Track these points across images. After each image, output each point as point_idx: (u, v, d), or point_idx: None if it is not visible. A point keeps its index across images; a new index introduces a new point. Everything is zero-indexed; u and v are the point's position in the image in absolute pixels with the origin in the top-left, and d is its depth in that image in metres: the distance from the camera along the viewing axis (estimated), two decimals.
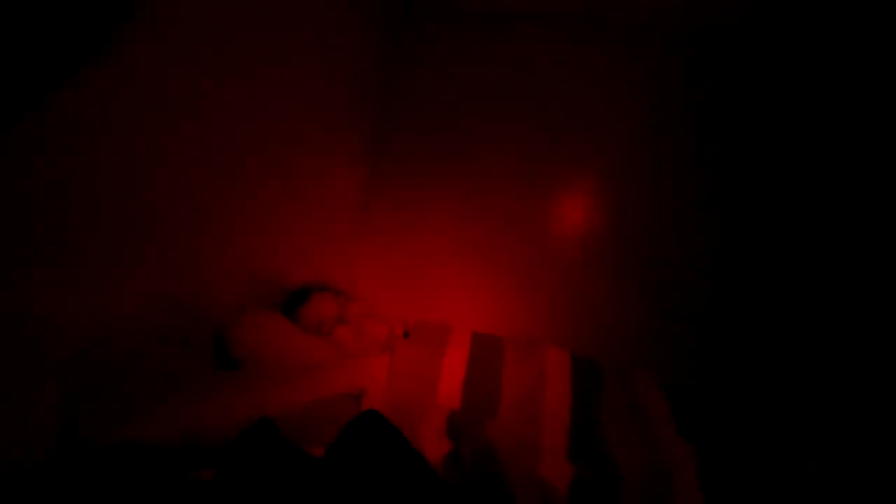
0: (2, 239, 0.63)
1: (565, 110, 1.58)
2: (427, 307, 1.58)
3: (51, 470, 0.68)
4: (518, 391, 1.18)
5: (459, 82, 1.64)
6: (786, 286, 1.46)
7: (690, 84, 1.54)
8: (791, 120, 1.48)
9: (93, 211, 0.74)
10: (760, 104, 1.50)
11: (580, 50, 1.59)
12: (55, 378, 0.73)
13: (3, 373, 0.66)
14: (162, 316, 0.93)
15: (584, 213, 1.58)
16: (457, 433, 1.07)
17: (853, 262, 1.43)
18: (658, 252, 1.52)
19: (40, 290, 0.69)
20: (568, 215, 1.59)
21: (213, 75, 0.94)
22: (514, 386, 1.19)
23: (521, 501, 0.92)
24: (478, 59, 1.63)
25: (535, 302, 1.57)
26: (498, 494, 0.92)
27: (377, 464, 0.69)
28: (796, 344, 1.44)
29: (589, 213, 1.57)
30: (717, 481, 1.01)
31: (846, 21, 1.38)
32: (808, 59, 1.49)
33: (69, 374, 0.75)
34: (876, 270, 1.41)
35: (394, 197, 1.66)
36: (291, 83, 1.20)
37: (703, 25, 1.52)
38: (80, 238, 0.74)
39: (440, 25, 1.66)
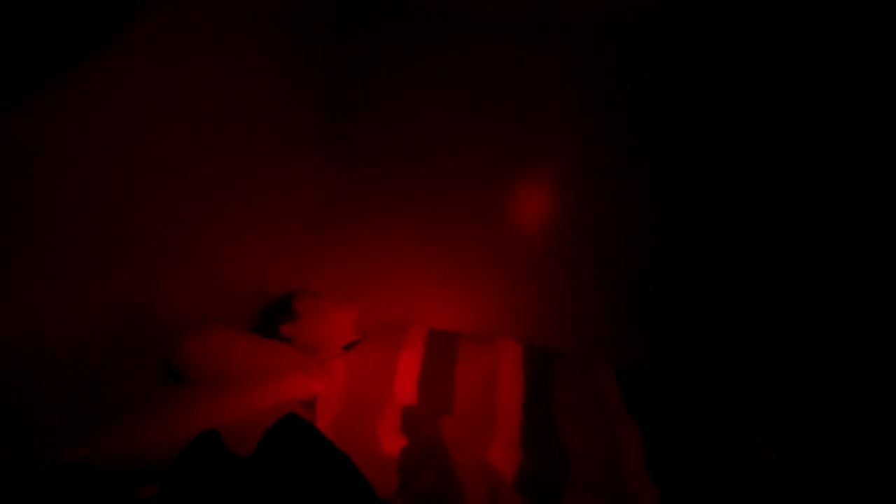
0: None
1: (522, 109, 1.59)
2: (390, 306, 1.59)
3: None
4: (472, 385, 1.21)
5: (417, 82, 1.63)
6: (732, 276, 1.51)
7: (648, 81, 1.55)
8: (746, 114, 1.50)
9: (34, 220, 0.72)
10: (714, 99, 1.52)
11: (536, 49, 1.58)
12: None
13: None
14: (112, 331, 0.90)
15: (543, 210, 1.60)
16: (412, 428, 1.09)
17: (793, 251, 1.49)
18: (613, 245, 1.56)
19: None
20: (527, 212, 1.61)
21: (166, 86, 0.93)
22: (468, 380, 1.22)
23: (469, 489, 0.95)
24: (435, 60, 1.62)
25: (497, 297, 1.60)
26: (446, 484, 0.95)
27: (297, 466, 0.70)
28: (743, 330, 1.49)
29: (548, 209, 1.59)
30: (664, 459, 1.05)
31: (789, 14, 1.41)
32: (756, 52, 1.51)
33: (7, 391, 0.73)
34: (816, 256, 1.47)
35: (356, 198, 1.66)
36: (244, 89, 1.18)
37: (658, 21, 1.52)
38: (22, 247, 0.71)
39: (397, 25, 1.63)
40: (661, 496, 0.97)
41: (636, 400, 1.21)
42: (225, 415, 0.89)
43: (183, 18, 0.96)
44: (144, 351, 1.02)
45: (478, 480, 0.98)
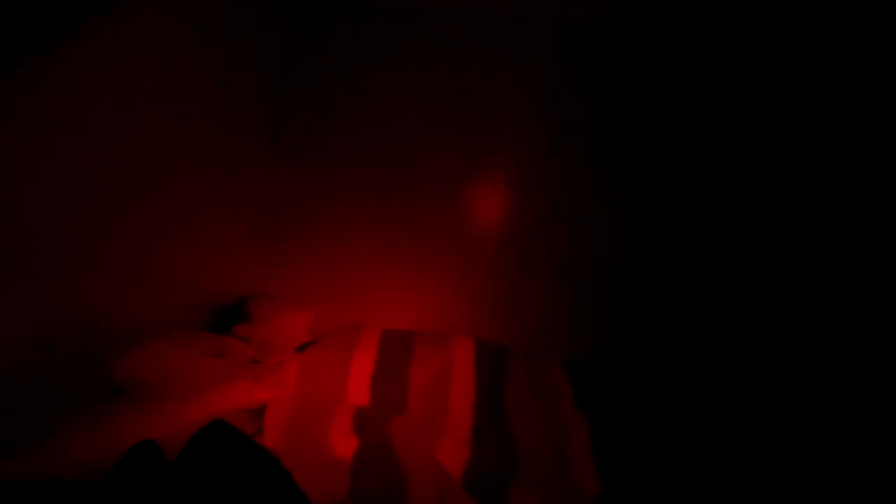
0: None
1: (480, 108, 1.61)
2: (347, 308, 1.58)
3: None
4: (425, 384, 1.22)
5: (370, 83, 1.63)
6: (682, 273, 1.55)
7: (598, 78, 1.58)
8: (692, 112, 1.55)
9: None
10: (665, 97, 1.56)
11: (495, 49, 1.60)
12: None
13: None
14: (53, 342, 0.89)
15: (500, 208, 1.62)
16: (363, 429, 1.10)
17: (744, 248, 1.53)
18: (566, 241, 1.59)
19: None
20: (484, 211, 1.62)
21: (109, 92, 0.91)
22: (421, 379, 1.23)
23: (416, 490, 0.96)
24: (387, 60, 1.62)
25: (456, 295, 1.61)
26: (393, 486, 0.96)
27: (222, 473, 0.70)
28: (695, 323, 1.54)
29: (505, 207, 1.61)
30: (611, 451, 1.08)
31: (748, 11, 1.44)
32: (713, 49, 1.55)
33: None
34: (765, 252, 1.52)
35: (311, 200, 1.65)
36: (188, 93, 1.17)
37: (608, 19, 1.55)
38: None
39: (344, 21, 1.63)
40: (603, 487, 1.00)
41: (587, 393, 1.23)
42: (166, 426, 0.87)
43: (123, 25, 0.95)
44: (87, 362, 1.00)
45: (425, 480, 0.99)
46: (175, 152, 1.18)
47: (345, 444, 1.05)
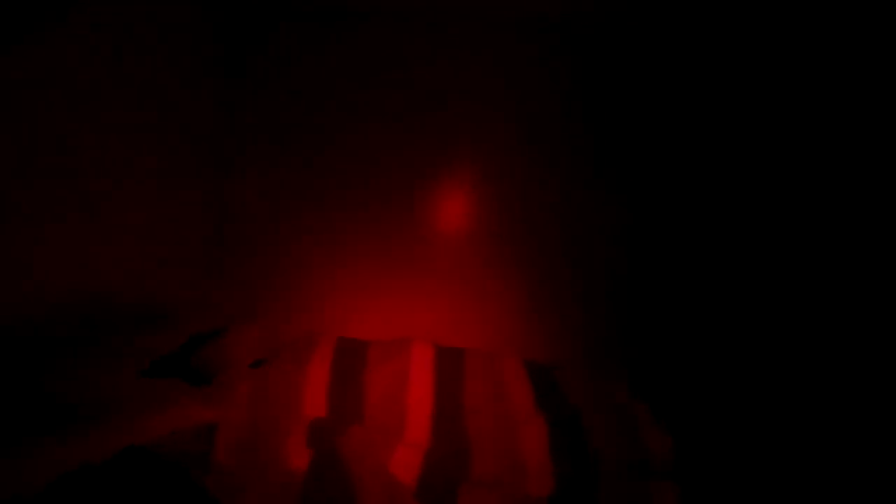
0: None
1: (439, 109, 1.60)
2: (303, 319, 1.58)
3: None
4: (382, 391, 1.22)
5: (318, 86, 1.61)
6: (645, 269, 1.57)
7: (572, 76, 1.59)
8: (667, 113, 1.56)
9: None
10: (640, 95, 1.56)
11: (459, 50, 1.60)
12: None
13: None
14: None
15: (458, 212, 1.62)
16: (318, 441, 1.10)
17: (705, 247, 1.56)
18: (530, 246, 1.59)
19: None
20: (444, 214, 1.62)
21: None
22: (377, 386, 1.23)
23: (365, 499, 0.96)
24: (338, 59, 1.60)
25: (413, 302, 1.61)
26: (343, 497, 0.96)
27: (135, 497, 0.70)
28: (654, 324, 1.56)
29: (464, 211, 1.62)
30: (568, 452, 1.09)
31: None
32: (685, 44, 1.55)
33: None
34: (722, 256, 1.54)
35: (260, 208, 1.62)
36: (129, 98, 1.16)
37: (583, 17, 1.54)
38: None
39: (292, 26, 1.60)
40: (555, 486, 1.00)
41: (546, 393, 1.24)
42: (106, 449, 0.84)
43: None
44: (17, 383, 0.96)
45: (376, 490, 1.00)
46: (116, 163, 1.17)
47: (299, 458, 1.05)
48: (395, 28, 1.59)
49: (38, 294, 1.07)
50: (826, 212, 1.43)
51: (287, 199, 1.62)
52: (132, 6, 1.18)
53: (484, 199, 1.60)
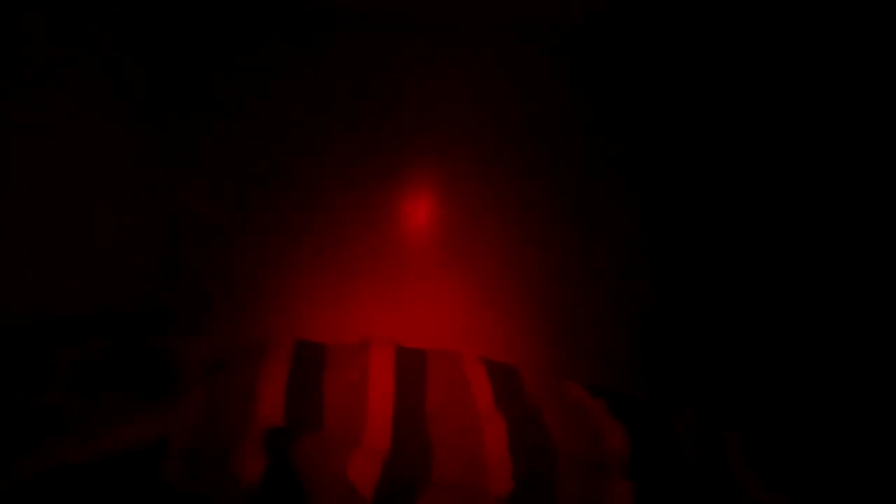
0: None
1: (402, 112, 1.57)
2: (257, 321, 1.52)
3: None
4: (341, 395, 1.18)
5: (279, 89, 1.57)
6: (613, 269, 1.56)
7: (543, 82, 1.58)
8: (647, 115, 1.55)
9: None
10: (608, 101, 1.56)
11: (425, 50, 1.58)
12: None
13: None
14: None
15: (419, 214, 1.59)
16: (273, 451, 1.05)
17: (686, 249, 1.55)
18: (485, 248, 1.57)
19: None
20: (403, 216, 1.59)
21: None
22: (336, 391, 1.18)
23: None
24: (305, 65, 1.56)
25: (375, 303, 1.56)
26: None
27: None
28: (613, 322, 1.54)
29: (425, 213, 1.59)
30: (526, 446, 1.07)
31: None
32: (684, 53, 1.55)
33: None
34: (723, 253, 1.54)
35: (215, 209, 1.54)
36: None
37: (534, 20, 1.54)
38: None
39: (259, 28, 1.56)
40: (514, 485, 0.97)
41: (506, 393, 1.22)
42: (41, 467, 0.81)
43: None
44: None
45: (333, 499, 0.96)
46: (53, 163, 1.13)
47: (252, 467, 1.00)
48: (357, 30, 1.58)
49: None
50: (821, 207, 1.45)
51: (243, 200, 1.57)
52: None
53: (445, 203, 1.59)
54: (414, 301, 1.58)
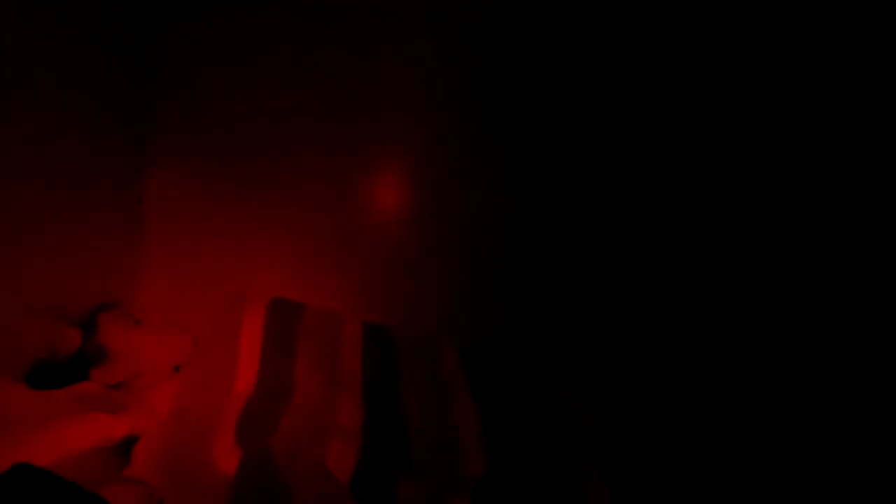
0: None
1: (358, 93, 1.52)
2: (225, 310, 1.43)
3: None
4: (312, 377, 1.18)
5: (236, 74, 1.51)
6: (573, 256, 1.54)
7: (483, 60, 1.53)
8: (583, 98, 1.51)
9: None
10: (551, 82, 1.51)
11: (371, 35, 1.52)
12: None
13: None
14: None
15: (387, 194, 1.56)
16: (247, 442, 1.05)
17: (627, 239, 1.53)
18: (457, 231, 1.55)
19: None
20: (371, 196, 1.56)
21: None
22: (308, 374, 1.18)
23: (298, 500, 0.92)
24: (256, 40, 1.50)
25: (343, 281, 1.54)
26: (274, 498, 0.92)
27: None
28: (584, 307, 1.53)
29: (392, 193, 1.56)
30: (500, 437, 1.08)
31: None
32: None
33: None
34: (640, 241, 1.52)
35: (185, 197, 1.51)
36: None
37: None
38: None
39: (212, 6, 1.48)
40: (488, 466, 1.00)
41: (479, 379, 1.22)
42: None
43: None
44: None
45: (311, 489, 0.96)
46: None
47: (226, 460, 0.99)
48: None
49: None
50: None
51: (206, 187, 1.52)
52: None
53: (404, 183, 1.58)
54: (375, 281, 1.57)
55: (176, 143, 1.52)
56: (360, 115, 1.54)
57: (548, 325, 1.53)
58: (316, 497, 0.95)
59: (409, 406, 1.15)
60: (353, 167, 1.55)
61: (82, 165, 1.24)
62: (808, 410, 1.21)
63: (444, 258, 1.56)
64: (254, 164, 1.53)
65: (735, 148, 1.47)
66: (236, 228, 1.53)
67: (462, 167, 1.55)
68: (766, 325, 1.37)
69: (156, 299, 1.45)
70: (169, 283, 1.50)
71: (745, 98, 1.45)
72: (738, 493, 1.05)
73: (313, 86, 1.53)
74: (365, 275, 1.55)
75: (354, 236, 1.55)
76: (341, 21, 1.51)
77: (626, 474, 1.01)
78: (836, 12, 1.33)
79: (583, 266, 1.54)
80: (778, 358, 1.32)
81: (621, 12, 1.49)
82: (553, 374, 1.28)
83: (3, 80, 0.95)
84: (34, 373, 1.02)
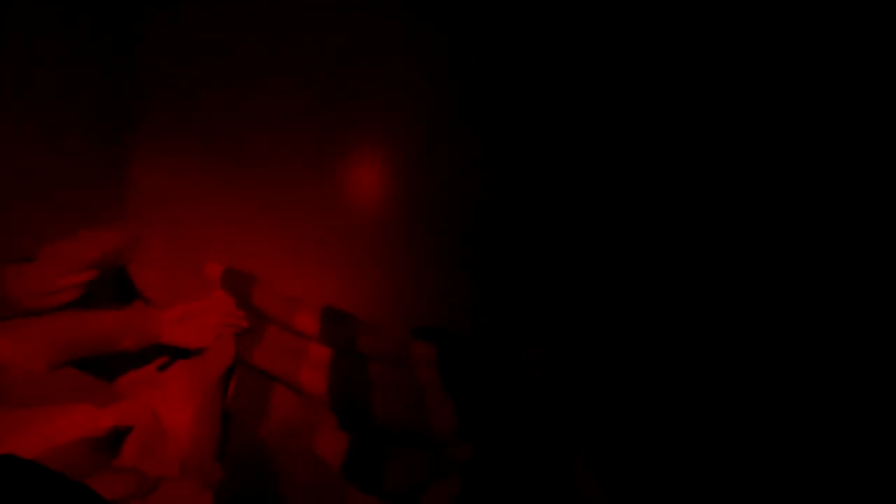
0: None
1: (337, 77, 1.52)
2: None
3: None
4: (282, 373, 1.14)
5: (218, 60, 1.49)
6: (555, 244, 1.56)
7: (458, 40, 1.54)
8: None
9: None
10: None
11: (355, 21, 1.52)
12: None
13: None
14: None
15: (368, 180, 1.56)
16: (237, 430, 1.06)
17: (607, 227, 1.56)
18: (430, 215, 1.56)
19: None
20: (343, 182, 1.56)
21: None
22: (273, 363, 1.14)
23: (288, 487, 0.93)
24: (239, 28, 1.48)
25: (319, 275, 1.52)
26: (265, 485, 0.93)
27: None
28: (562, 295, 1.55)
29: (363, 177, 1.56)
30: (474, 421, 1.10)
31: None
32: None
33: None
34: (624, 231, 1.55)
35: (168, 187, 1.47)
36: None
37: None
38: None
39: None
40: (474, 452, 1.01)
41: (456, 371, 1.22)
42: None
43: None
44: None
45: (302, 475, 0.97)
46: None
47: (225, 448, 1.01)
48: None
49: None
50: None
51: (190, 174, 1.50)
52: None
53: (380, 168, 1.58)
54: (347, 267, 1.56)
55: (158, 134, 1.49)
56: (343, 102, 1.53)
57: (528, 309, 1.54)
58: (307, 482, 0.96)
59: (379, 395, 1.12)
60: (333, 153, 1.55)
61: (61, 158, 1.21)
62: (800, 400, 1.23)
63: (422, 240, 1.56)
64: (235, 151, 1.51)
65: (719, 130, 1.48)
66: (219, 214, 1.51)
67: (443, 153, 1.57)
68: (755, 312, 1.39)
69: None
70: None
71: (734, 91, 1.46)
72: (729, 481, 1.07)
73: (294, 73, 1.52)
74: (345, 261, 1.54)
75: (338, 221, 1.54)
76: (323, 9, 1.50)
77: (611, 456, 1.02)
78: (836, 12, 1.34)
79: (568, 256, 1.55)
80: (769, 347, 1.34)
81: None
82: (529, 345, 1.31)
83: None
84: None
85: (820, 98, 1.38)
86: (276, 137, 1.52)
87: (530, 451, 1.03)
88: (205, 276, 1.23)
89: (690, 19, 1.49)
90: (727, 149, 1.47)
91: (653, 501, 1.01)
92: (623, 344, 1.44)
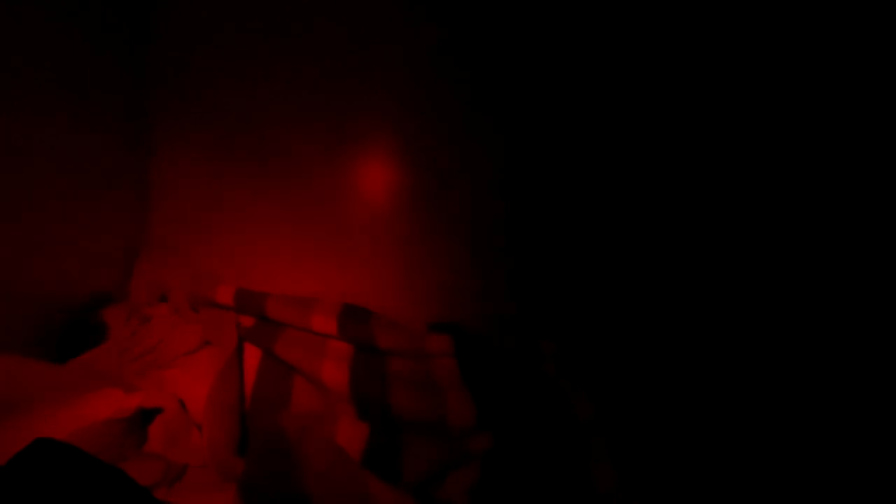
0: None
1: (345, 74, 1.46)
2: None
3: None
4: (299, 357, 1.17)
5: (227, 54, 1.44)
6: (570, 241, 1.53)
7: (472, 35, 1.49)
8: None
9: None
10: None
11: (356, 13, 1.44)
12: None
13: None
14: None
15: (372, 175, 1.53)
16: (259, 420, 1.08)
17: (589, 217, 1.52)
18: (450, 214, 1.53)
19: None
20: (357, 177, 1.53)
21: None
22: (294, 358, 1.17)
23: (311, 476, 0.94)
24: (254, 16, 1.40)
25: (330, 275, 1.52)
26: (288, 474, 0.94)
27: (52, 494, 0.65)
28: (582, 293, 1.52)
29: (380, 172, 1.53)
30: (491, 412, 1.11)
31: None
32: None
33: None
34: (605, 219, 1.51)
35: (188, 181, 1.48)
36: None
37: None
38: None
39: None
40: (492, 443, 1.03)
41: (471, 365, 1.24)
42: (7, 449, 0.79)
43: None
44: None
45: (323, 465, 0.99)
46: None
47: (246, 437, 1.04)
48: None
49: None
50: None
51: (211, 176, 1.50)
52: None
53: (394, 164, 1.54)
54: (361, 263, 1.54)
55: (176, 126, 1.49)
56: (359, 96, 1.48)
57: (541, 305, 1.53)
58: (329, 471, 0.98)
59: (398, 388, 1.14)
60: (350, 146, 1.51)
61: (79, 152, 1.22)
62: (824, 393, 1.20)
63: (438, 247, 1.54)
64: (255, 146, 1.50)
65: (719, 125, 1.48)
66: (238, 213, 1.52)
67: (457, 146, 1.52)
68: (772, 309, 1.36)
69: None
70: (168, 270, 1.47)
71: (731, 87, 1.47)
72: (744, 473, 1.08)
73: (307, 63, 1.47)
74: (364, 255, 1.54)
75: (357, 214, 1.53)
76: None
77: (625, 446, 1.04)
78: (835, 12, 1.34)
79: (581, 252, 1.52)
80: (783, 342, 1.32)
81: None
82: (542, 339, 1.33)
83: None
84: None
85: (820, 98, 1.38)
86: (293, 131, 1.50)
87: (546, 442, 1.05)
88: (217, 298, 1.27)
89: (691, 19, 1.48)
90: (738, 147, 1.47)
91: (667, 490, 1.03)
92: (636, 341, 1.45)
